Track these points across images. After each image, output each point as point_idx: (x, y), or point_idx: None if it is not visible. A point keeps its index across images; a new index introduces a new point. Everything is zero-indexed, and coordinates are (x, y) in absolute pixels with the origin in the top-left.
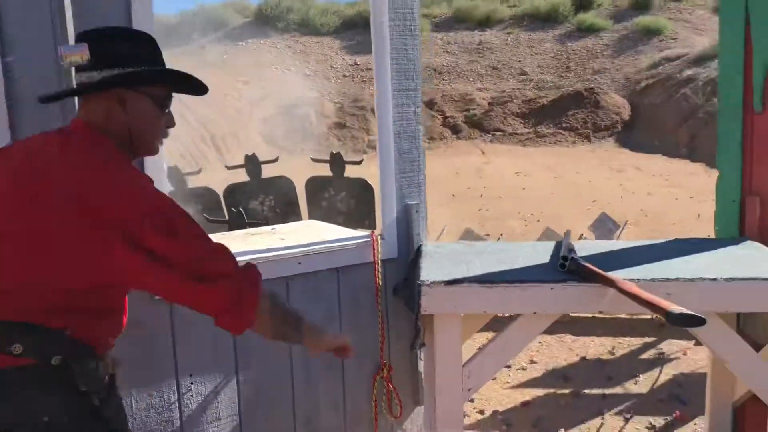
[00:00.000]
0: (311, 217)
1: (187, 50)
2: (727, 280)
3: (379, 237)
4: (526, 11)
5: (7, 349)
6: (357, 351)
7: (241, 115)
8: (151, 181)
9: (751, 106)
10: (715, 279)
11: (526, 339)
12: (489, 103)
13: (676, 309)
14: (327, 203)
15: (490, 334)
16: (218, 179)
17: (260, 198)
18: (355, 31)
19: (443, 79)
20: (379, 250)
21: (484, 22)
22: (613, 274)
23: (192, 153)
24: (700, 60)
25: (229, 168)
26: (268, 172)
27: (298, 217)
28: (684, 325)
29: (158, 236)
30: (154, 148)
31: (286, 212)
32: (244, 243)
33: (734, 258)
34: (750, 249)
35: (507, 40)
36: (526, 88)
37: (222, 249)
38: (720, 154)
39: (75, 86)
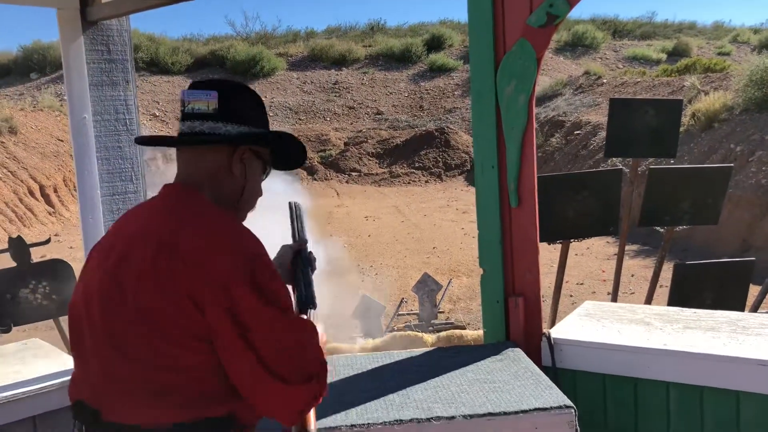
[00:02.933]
0: None
1: (23, 90)
2: (465, 417)
3: None
4: (381, 51)
5: None
6: None
7: None
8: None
9: (507, 201)
10: (452, 417)
11: None
12: (345, 144)
13: None
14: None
15: None
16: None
17: (31, 285)
18: (208, 69)
19: (299, 119)
20: None
21: (340, 62)
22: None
23: (15, 208)
24: (539, 100)
25: None
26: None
27: None
28: None
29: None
30: (253, 208)
31: (65, 300)
32: None
33: (485, 377)
34: (507, 361)
35: (363, 79)
36: (382, 128)
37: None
38: (481, 252)
39: (195, 133)
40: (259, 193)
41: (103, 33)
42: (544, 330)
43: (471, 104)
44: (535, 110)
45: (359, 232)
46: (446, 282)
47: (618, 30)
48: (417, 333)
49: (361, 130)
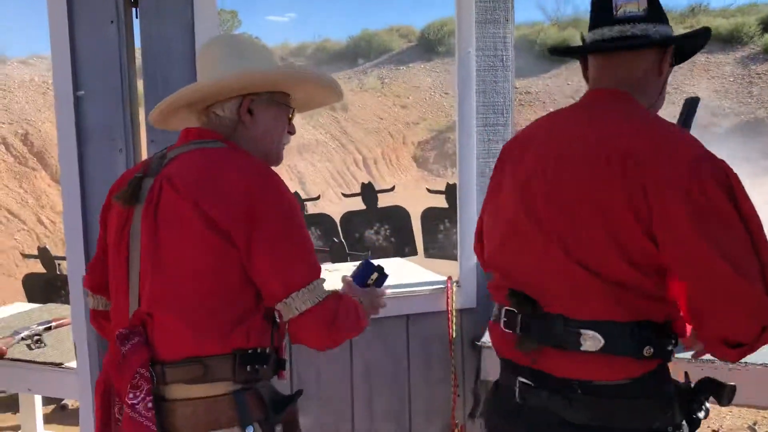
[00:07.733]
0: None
1: (351, 74)
2: None
3: (455, 284)
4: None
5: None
6: (426, 409)
7: (395, 138)
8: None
9: None
10: None
11: None
12: None
13: None
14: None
15: None
16: (335, 207)
17: (375, 227)
18: (518, 56)
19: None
20: (455, 298)
21: None
22: None
23: (343, 175)
24: None
25: (346, 196)
26: (384, 201)
27: (413, 248)
28: None
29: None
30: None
31: (402, 243)
32: None
33: None
34: None
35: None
36: (699, 114)
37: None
38: None
39: (626, 37)
40: None
41: None
42: None
43: None
44: None
45: None
46: None
47: None
48: None
49: (674, 116)
